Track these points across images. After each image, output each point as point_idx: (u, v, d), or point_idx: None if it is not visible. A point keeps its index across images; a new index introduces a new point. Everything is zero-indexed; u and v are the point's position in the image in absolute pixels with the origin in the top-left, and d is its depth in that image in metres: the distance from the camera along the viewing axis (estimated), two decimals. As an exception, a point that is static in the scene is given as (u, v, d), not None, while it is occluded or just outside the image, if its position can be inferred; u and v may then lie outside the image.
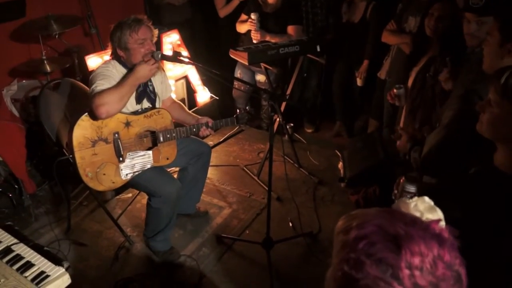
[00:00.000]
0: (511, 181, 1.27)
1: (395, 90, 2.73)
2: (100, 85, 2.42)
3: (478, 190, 1.36)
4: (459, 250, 0.80)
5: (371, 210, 0.87)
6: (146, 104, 2.70)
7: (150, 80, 2.69)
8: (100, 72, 2.51)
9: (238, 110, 2.91)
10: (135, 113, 2.63)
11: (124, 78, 2.48)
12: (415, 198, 0.91)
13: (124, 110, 2.57)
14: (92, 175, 2.57)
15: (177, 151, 2.80)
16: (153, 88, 2.73)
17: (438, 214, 0.88)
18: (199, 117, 2.88)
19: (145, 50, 2.51)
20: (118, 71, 2.56)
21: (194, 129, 2.76)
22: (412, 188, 1.72)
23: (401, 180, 1.76)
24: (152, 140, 2.69)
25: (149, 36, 2.53)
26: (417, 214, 0.86)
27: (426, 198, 0.91)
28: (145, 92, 2.68)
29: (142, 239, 3.05)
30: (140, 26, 2.49)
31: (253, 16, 3.79)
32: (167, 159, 2.77)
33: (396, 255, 0.75)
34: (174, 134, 2.70)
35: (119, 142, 2.58)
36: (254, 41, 3.84)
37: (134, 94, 2.60)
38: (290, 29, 3.87)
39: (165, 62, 3.70)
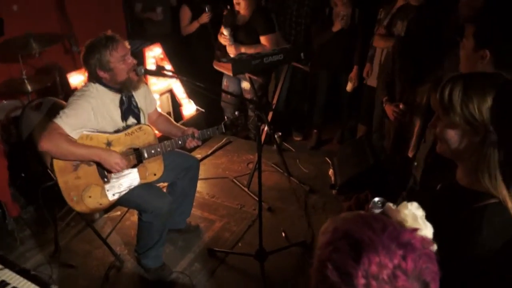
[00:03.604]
0: (468, 194, 1.27)
1: (401, 106, 2.66)
2: (66, 116, 2.37)
3: (442, 204, 1.36)
4: (436, 261, 0.82)
5: (351, 215, 0.91)
6: (131, 120, 2.66)
7: (133, 96, 2.64)
8: (75, 100, 2.45)
9: (226, 118, 2.87)
10: (116, 131, 2.57)
11: (94, 148, 2.45)
12: (402, 203, 0.92)
13: (106, 129, 2.54)
14: (78, 198, 2.51)
15: (164, 166, 2.75)
16: (137, 104, 2.69)
17: (419, 223, 0.89)
18: (185, 128, 2.84)
19: (127, 66, 2.48)
20: (100, 91, 2.51)
21: (180, 142, 2.70)
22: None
23: (369, 206, 1.73)
24: (137, 157, 2.63)
25: (127, 51, 2.50)
26: (401, 221, 0.89)
27: (413, 205, 0.92)
28: (130, 108, 2.64)
29: (133, 256, 2.99)
30: (117, 43, 2.44)
31: (225, 32, 3.86)
32: (154, 175, 2.72)
33: (355, 263, 0.77)
34: (159, 149, 2.65)
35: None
36: (231, 55, 3.87)
37: (119, 112, 2.57)
38: (263, 39, 3.92)
39: (148, 76, 3.72)
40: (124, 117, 2.62)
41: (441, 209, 1.33)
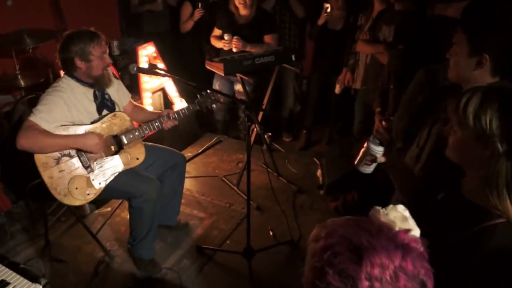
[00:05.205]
0: (476, 211, 1.23)
1: (384, 123, 2.54)
2: (39, 112, 2.39)
3: (444, 218, 1.33)
4: (428, 259, 0.83)
5: (341, 220, 0.90)
6: (106, 113, 2.71)
7: (105, 90, 2.71)
8: (46, 96, 2.48)
9: (198, 95, 2.87)
10: (92, 122, 2.61)
11: (70, 135, 2.46)
12: (390, 206, 0.92)
13: (83, 121, 2.58)
14: (65, 191, 2.52)
15: (145, 149, 2.79)
16: (109, 97, 2.74)
17: (410, 224, 0.91)
18: (160, 111, 2.89)
19: (103, 63, 2.56)
20: (72, 85, 2.55)
21: (157, 123, 2.74)
22: (377, 150, 1.63)
23: (365, 143, 1.66)
24: (117, 144, 2.67)
25: (106, 49, 2.58)
26: (389, 223, 0.89)
27: (400, 207, 0.92)
28: (103, 102, 2.70)
29: (125, 250, 3.01)
30: (100, 40, 2.52)
31: (226, 37, 3.86)
32: (137, 159, 2.75)
33: (357, 266, 0.77)
34: (137, 133, 2.69)
35: (83, 154, 2.57)
36: (234, 50, 3.87)
37: (94, 106, 2.64)
38: (267, 38, 3.94)
39: (141, 74, 3.77)
40: (99, 111, 2.67)
41: (444, 221, 1.31)
